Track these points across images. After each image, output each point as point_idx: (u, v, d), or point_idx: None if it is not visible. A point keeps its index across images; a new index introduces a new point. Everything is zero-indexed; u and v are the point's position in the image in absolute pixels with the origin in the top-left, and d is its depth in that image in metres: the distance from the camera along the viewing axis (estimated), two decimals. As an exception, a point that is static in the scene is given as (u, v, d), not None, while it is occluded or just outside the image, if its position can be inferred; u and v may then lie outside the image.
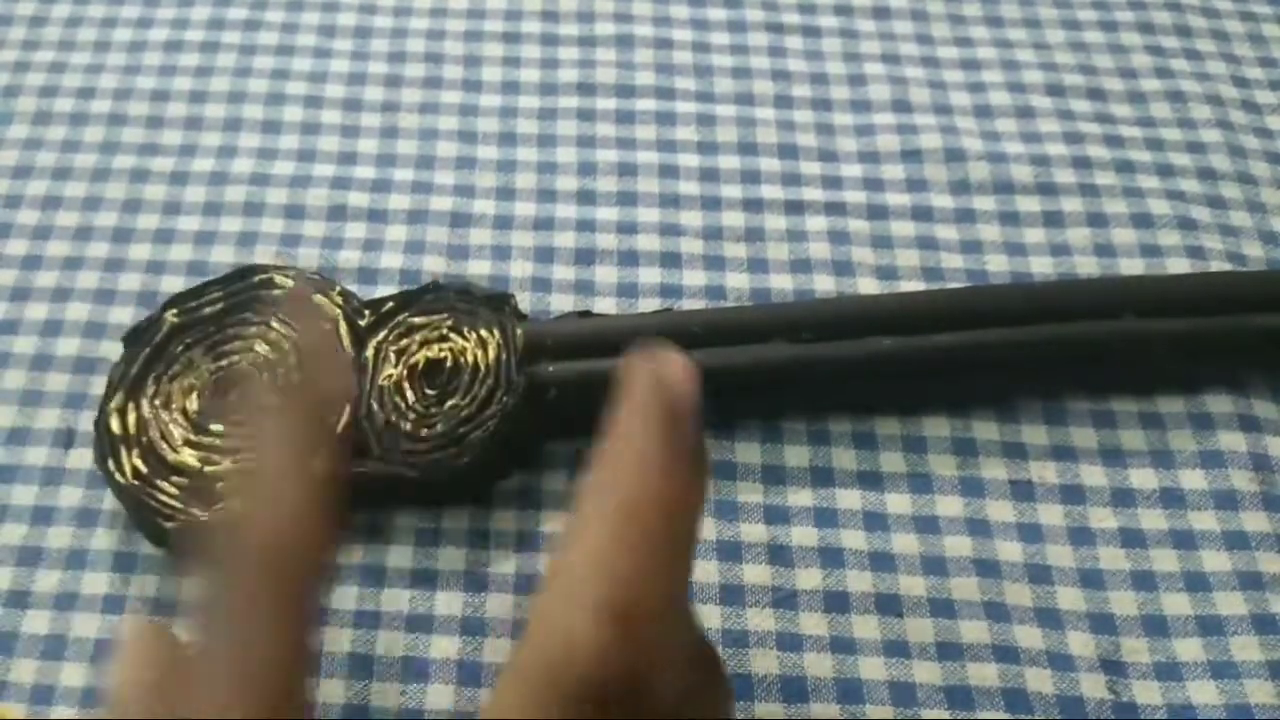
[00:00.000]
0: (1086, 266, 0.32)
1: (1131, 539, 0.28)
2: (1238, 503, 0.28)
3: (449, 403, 0.27)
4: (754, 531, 0.28)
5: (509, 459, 0.28)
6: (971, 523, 0.28)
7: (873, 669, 0.26)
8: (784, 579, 0.27)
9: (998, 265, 0.32)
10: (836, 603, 0.27)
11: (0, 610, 0.27)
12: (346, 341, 0.28)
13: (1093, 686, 0.26)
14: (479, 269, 0.32)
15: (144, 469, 0.26)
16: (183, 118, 0.35)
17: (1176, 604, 0.27)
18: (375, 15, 0.37)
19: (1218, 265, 0.32)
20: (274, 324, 0.28)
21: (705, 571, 0.27)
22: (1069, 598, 0.27)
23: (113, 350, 0.29)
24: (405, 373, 0.28)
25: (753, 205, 0.33)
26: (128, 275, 0.31)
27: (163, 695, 0.18)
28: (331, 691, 0.25)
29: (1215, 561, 0.27)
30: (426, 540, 0.28)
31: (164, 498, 0.26)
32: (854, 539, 0.28)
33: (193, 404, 0.27)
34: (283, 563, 0.17)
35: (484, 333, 0.28)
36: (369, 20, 0.37)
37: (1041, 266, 0.32)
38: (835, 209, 0.33)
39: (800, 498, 0.28)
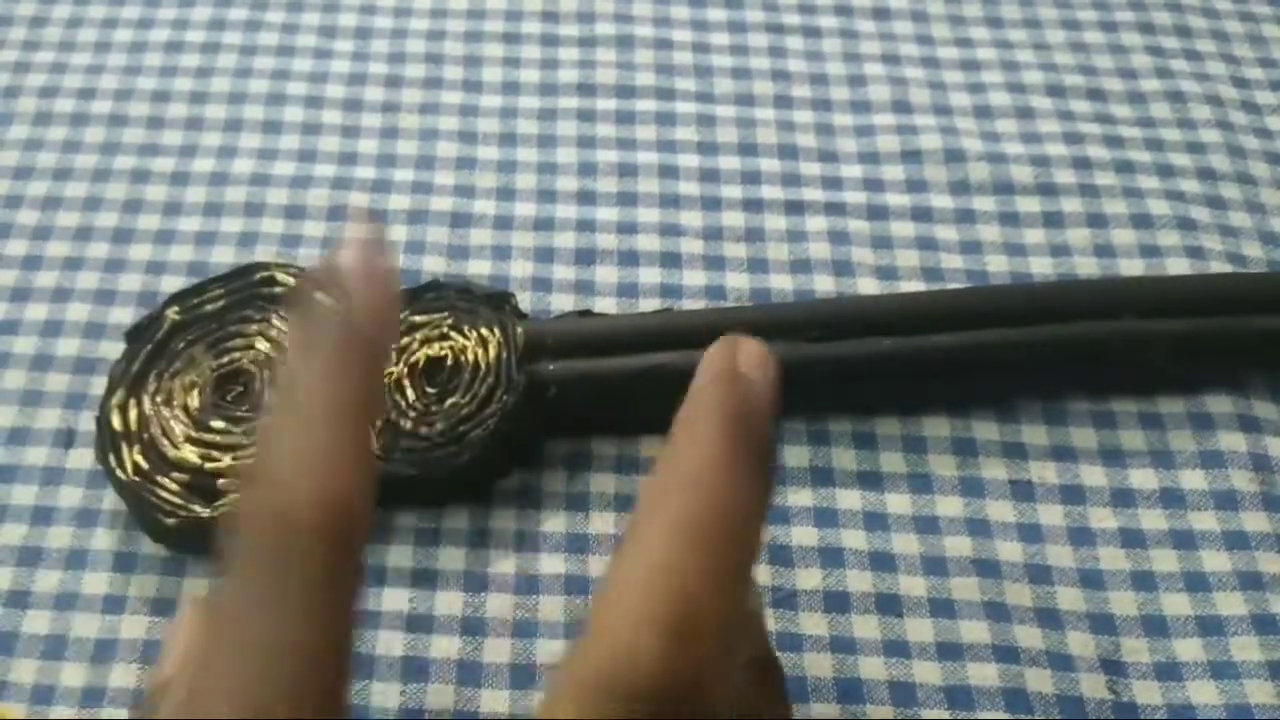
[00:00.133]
0: (1086, 267, 0.32)
1: (1131, 539, 0.28)
2: (1238, 503, 0.28)
3: (449, 401, 0.27)
4: (754, 531, 0.28)
5: (509, 457, 0.28)
6: (971, 523, 0.28)
7: (873, 669, 0.26)
8: (784, 579, 0.27)
9: (998, 265, 0.32)
10: (836, 603, 0.27)
11: (0, 610, 0.26)
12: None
13: (1093, 686, 0.26)
14: (479, 269, 0.32)
15: (145, 465, 0.26)
16: (183, 118, 0.35)
17: (1176, 604, 0.27)
18: (375, 16, 0.37)
19: (1218, 266, 0.32)
20: (275, 321, 0.28)
21: (705, 571, 0.27)
22: (1069, 598, 0.27)
23: (113, 350, 0.29)
24: (405, 371, 0.28)
25: (753, 205, 0.33)
26: (128, 276, 0.31)
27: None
28: (331, 691, 0.25)
29: (1215, 562, 0.27)
30: (426, 540, 0.28)
31: (165, 494, 0.26)
32: (854, 539, 0.28)
33: (194, 401, 0.27)
34: (324, 547, 0.16)
35: (484, 331, 0.28)
36: (369, 21, 0.37)
37: (1041, 267, 0.32)
38: (835, 209, 0.33)
39: (800, 498, 0.28)
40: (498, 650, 0.26)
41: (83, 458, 0.28)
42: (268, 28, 0.37)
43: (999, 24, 0.37)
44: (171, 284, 0.31)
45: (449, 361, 0.28)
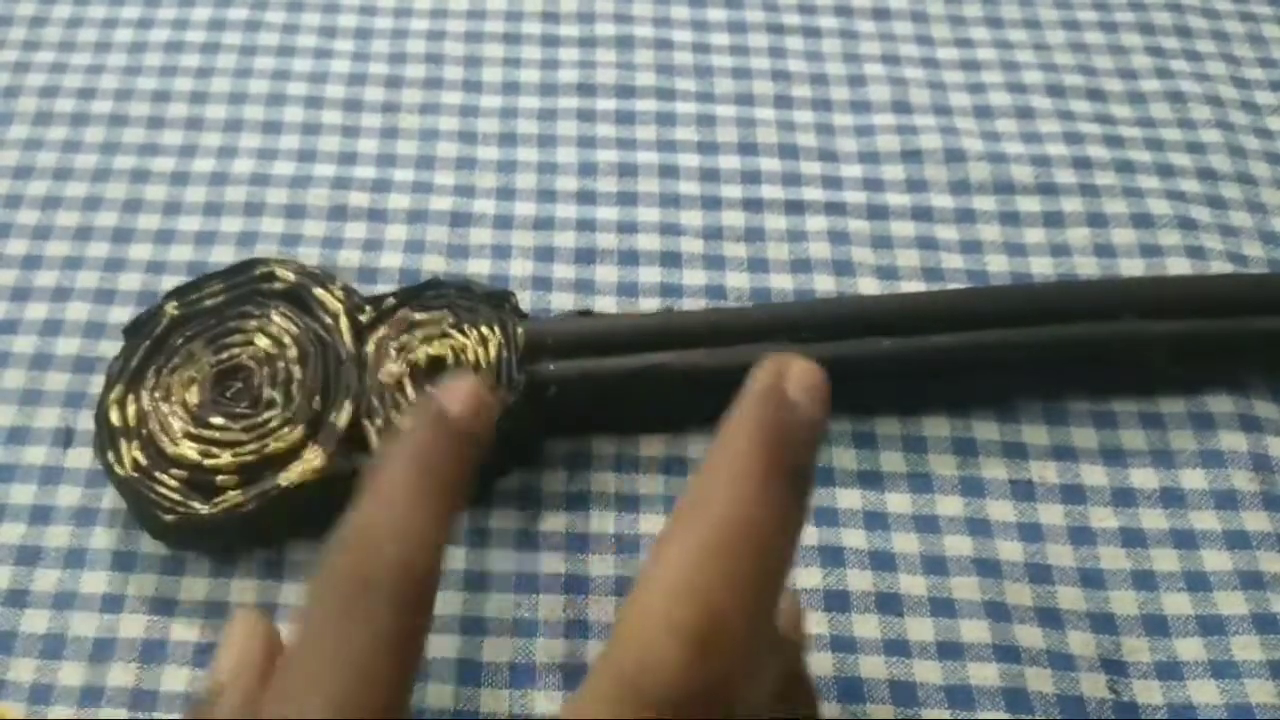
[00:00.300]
0: (1086, 267, 0.32)
1: (1132, 539, 0.28)
2: (1238, 502, 0.28)
3: (449, 400, 0.27)
4: (754, 531, 0.28)
5: (509, 457, 0.28)
6: (972, 522, 0.28)
7: (873, 668, 0.26)
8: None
9: (998, 265, 0.32)
10: (836, 602, 0.27)
11: (-1, 609, 0.27)
12: (347, 337, 0.28)
13: (1093, 686, 0.26)
14: (479, 268, 0.32)
15: (143, 461, 0.26)
16: (183, 118, 0.35)
17: (1177, 604, 0.27)
18: (375, 16, 0.37)
19: (1218, 265, 0.32)
20: (274, 317, 0.28)
21: (705, 570, 0.27)
22: (1069, 597, 0.27)
23: (112, 350, 0.29)
24: (406, 369, 0.28)
25: (753, 205, 0.33)
26: (128, 275, 0.31)
27: (250, 699, 0.19)
28: (330, 690, 0.25)
29: (1216, 561, 0.27)
30: (426, 539, 0.27)
31: (163, 490, 0.26)
32: (854, 538, 0.28)
33: (193, 396, 0.27)
34: (401, 592, 0.18)
35: (485, 330, 0.28)
36: (369, 21, 0.37)
37: (1041, 266, 0.32)
38: (835, 209, 0.33)
39: (800, 497, 0.28)
40: (498, 650, 0.26)
41: (81, 457, 0.28)
42: (268, 28, 0.37)
43: (999, 24, 0.37)
44: (171, 283, 0.31)
45: (449, 360, 0.28)
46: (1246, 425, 0.29)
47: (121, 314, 0.30)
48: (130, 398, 0.27)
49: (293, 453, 0.26)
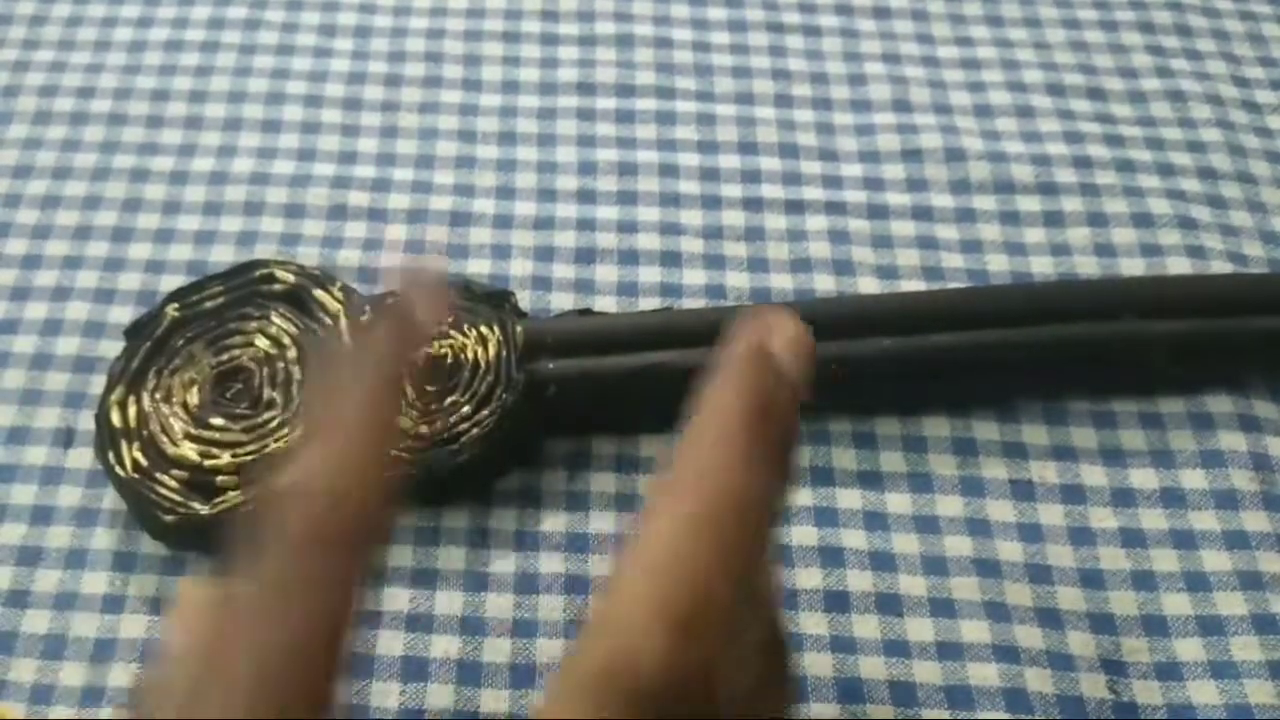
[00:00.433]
0: (1086, 266, 0.32)
1: (1132, 539, 0.28)
2: (1238, 503, 0.28)
3: (449, 399, 0.27)
4: (754, 531, 0.28)
5: (509, 456, 0.28)
6: (972, 523, 0.28)
7: (873, 669, 0.26)
8: (784, 579, 0.27)
9: (998, 265, 0.32)
10: (836, 602, 0.27)
11: (0, 609, 0.26)
12: (347, 337, 0.28)
13: (1093, 686, 0.26)
14: (479, 268, 0.32)
15: (144, 462, 0.26)
16: (183, 117, 0.35)
17: (1177, 604, 0.27)
18: (375, 14, 0.37)
19: (1218, 265, 0.32)
20: (274, 318, 0.28)
21: (705, 571, 0.27)
22: (1069, 598, 0.27)
23: (112, 350, 0.29)
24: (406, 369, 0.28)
25: (753, 204, 0.33)
26: (127, 275, 0.31)
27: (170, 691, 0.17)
28: (331, 690, 0.25)
29: (1215, 561, 0.27)
30: (426, 539, 0.27)
31: (164, 491, 0.26)
32: (854, 539, 0.28)
33: (193, 398, 0.27)
34: (330, 549, 0.16)
35: (484, 330, 0.28)
36: (369, 20, 0.37)
37: (1041, 266, 0.32)
38: (835, 208, 0.33)
39: (800, 497, 0.28)
40: (497, 650, 0.26)
41: (82, 457, 0.28)
42: (267, 26, 0.37)
43: (999, 23, 0.37)
44: (171, 283, 0.31)
45: (449, 360, 0.28)
46: (1246, 425, 0.29)
47: (121, 314, 0.30)
48: (131, 399, 0.27)
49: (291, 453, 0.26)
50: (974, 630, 0.26)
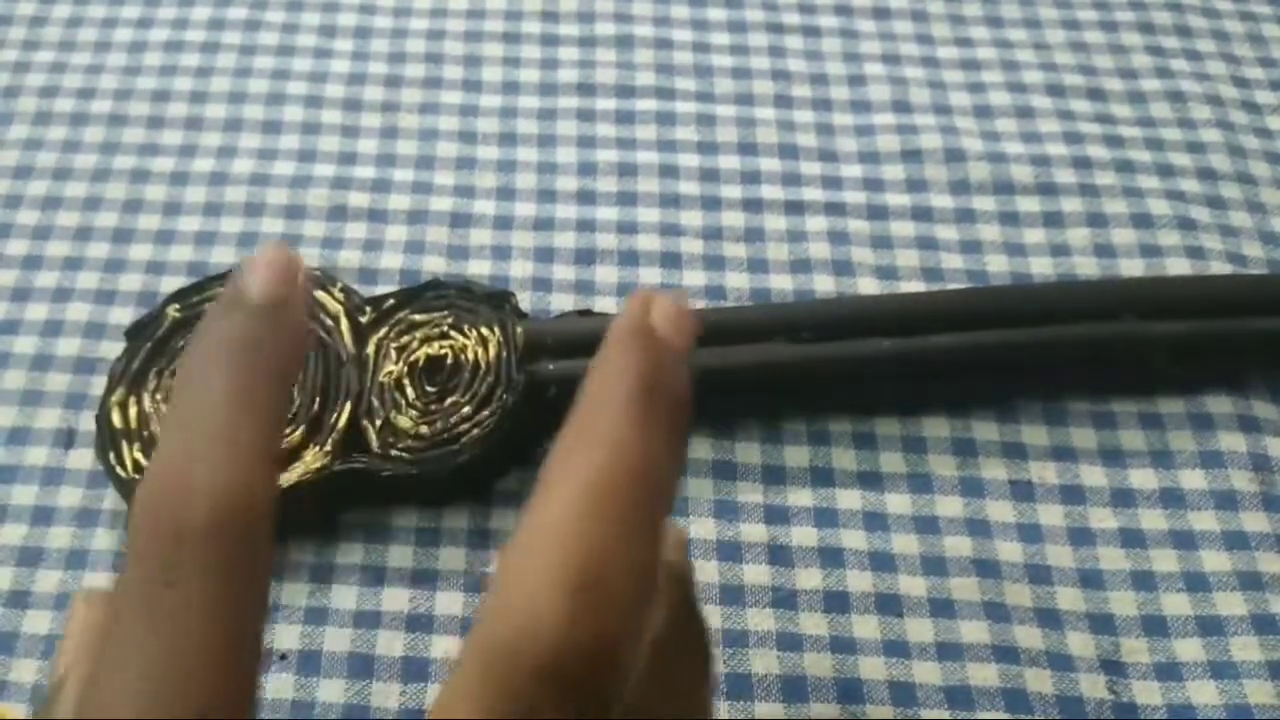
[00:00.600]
0: (1086, 267, 0.32)
1: (1131, 539, 0.28)
2: (1238, 503, 0.28)
3: (449, 400, 0.27)
4: (754, 531, 0.28)
5: (509, 457, 0.28)
6: (971, 523, 0.28)
7: (873, 669, 0.26)
8: (784, 579, 0.27)
9: (998, 265, 0.32)
10: (836, 603, 0.27)
11: (1, 610, 0.26)
12: (348, 338, 0.28)
13: (1093, 686, 0.26)
14: (479, 269, 0.32)
15: (145, 463, 0.26)
16: (183, 118, 0.35)
17: (1176, 604, 0.27)
18: (375, 15, 0.37)
19: (1218, 265, 0.32)
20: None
21: (705, 572, 0.27)
22: (1069, 598, 0.27)
23: (113, 350, 0.29)
24: (405, 369, 0.28)
25: (753, 205, 0.33)
26: (128, 276, 0.31)
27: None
28: (331, 691, 0.25)
29: (1215, 562, 0.27)
30: (426, 540, 0.28)
31: None
32: (854, 539, 0.28)
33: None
34: (220, 540, 0.15)
35: (485, 330, 0.28)
36: (369, 20, 0.37)
37: (1041, 266, 0.32)
38: (835, 209, 0.33)
39: (800, 498, 0.28)
40: (498, 650, 0.26)
41: (83, 458, 0.28)
42: (267, 27, 0.37)
43: (999, 23, 0.37)
44: (171, 284, 0.31)
45: (449, 360, 0.28)
46: (1246, 426, 0.29)
47: (122, 314, 0.31)
48: (132, 400, 0.27)
49: (293, 453, 0.26)
50: (974, 631, 0.26)
